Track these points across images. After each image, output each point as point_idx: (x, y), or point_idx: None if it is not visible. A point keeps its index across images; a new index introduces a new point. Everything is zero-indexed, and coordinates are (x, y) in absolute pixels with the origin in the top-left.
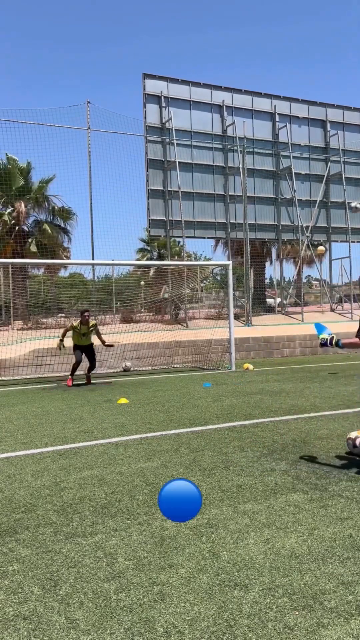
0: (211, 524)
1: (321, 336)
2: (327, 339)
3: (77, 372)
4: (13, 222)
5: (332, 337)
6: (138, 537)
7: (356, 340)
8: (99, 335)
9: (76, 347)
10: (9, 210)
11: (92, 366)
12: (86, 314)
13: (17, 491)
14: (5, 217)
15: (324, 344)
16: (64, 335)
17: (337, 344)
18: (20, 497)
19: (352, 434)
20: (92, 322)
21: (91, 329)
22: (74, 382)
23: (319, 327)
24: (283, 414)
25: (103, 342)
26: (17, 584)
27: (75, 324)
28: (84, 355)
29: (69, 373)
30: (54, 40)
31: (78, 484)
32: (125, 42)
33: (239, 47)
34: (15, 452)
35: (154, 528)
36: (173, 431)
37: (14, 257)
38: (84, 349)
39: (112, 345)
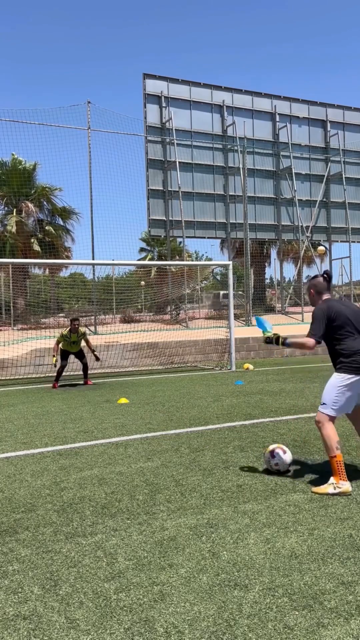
0: (211, 524)
1: (267, 334)
2: (272, 338)
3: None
4: (17, 221)
5: (278, 337)
6: (138, 537)
7: (305, 340)
8: (88, 343)
9: (63, 352)
10: (15, 210)
11: (84, 366)
12: (75, 322)
13: (17, 491)
14: (15, 218)
15: (269, 342)
16: (56, 350)
17: (284, 343)
18: (20, 497)
19: (271, 447)
20: (81, 330)
21: (80, 337)
22: (59, 385)
23: (262, 324)
24: (283, 414)
25: (92, 350)
26: (17, 583)
27: (64, 332)
28: (73, 357)
29: (54, 378)
30: (55, 40)
31: (78, 484)
32: (125, 42)
33: (240, 47)
34: (15, 452)
35: (154, 528)
36: (173, 431)
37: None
38: (73, 354)
39: (98, 359)
